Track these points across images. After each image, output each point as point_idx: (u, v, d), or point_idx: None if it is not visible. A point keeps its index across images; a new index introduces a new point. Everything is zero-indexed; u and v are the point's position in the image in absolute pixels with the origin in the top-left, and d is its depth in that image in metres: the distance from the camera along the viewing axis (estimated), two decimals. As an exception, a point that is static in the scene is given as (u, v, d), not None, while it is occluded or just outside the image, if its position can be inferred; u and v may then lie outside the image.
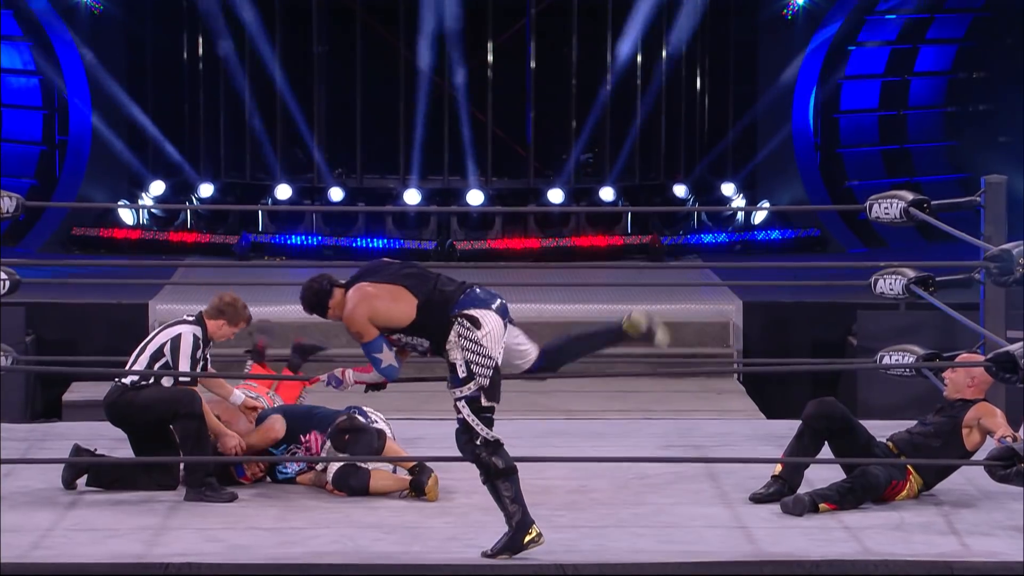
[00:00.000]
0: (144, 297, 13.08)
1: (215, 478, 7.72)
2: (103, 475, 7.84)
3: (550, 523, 7.31)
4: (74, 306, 12.98)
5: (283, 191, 16.33)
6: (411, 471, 7.77)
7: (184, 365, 7.79)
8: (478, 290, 7.04)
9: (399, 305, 7.01)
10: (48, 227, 16.28)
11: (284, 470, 7.99)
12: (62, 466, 7.87)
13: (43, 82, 16.89)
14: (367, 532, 7.15)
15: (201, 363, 7.87)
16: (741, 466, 8.24)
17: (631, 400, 12.12)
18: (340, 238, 16.26)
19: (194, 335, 7.85)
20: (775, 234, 16.70)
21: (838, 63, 17.35)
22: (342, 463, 7.77)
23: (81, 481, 7.86)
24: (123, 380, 7.86)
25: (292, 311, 12.97)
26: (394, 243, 16.33)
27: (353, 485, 7.78)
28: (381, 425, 7.96)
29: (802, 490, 7.61)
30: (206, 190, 16.40)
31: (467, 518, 7.41)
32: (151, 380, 7.81)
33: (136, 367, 7.85)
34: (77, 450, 7.92)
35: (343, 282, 7.12)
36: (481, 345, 6.90)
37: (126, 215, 16.28)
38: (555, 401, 11.97)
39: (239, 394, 8.02)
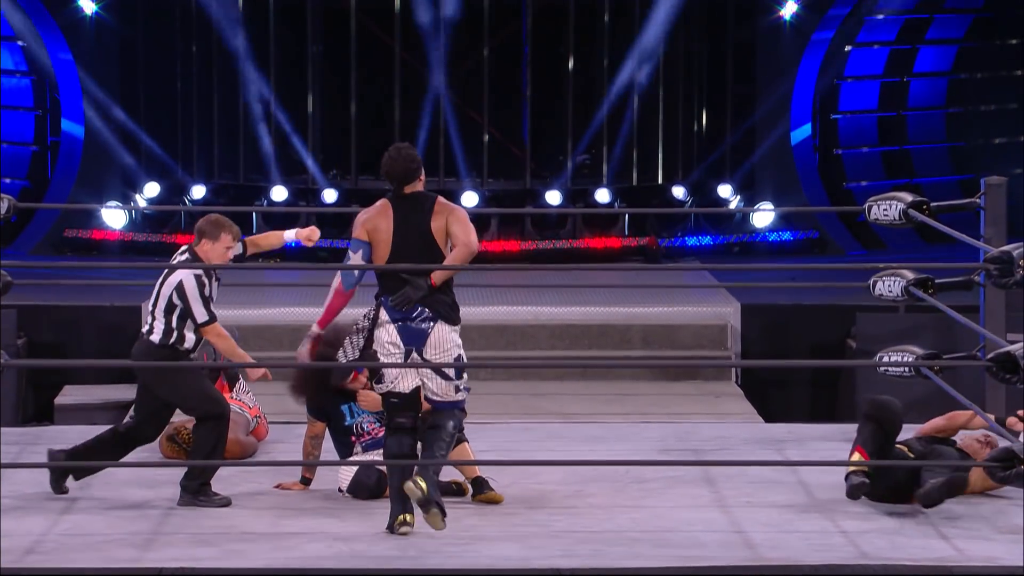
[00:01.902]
0: (137, 299, 13.03)
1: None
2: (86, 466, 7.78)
3: (547, 527, 7.33)
4: (66, 308, 12.94)
5: (279, 193, 16.31)
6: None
7: (198, 309, 7.66)
8: (421, 313, 7.24)
9: (377, 244, 7.25)
10: (40, 229, 16.26)
11: (352, 418, 7.94)
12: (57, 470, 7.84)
13: (35, 83, 16.87)
14: (362, 537, 7.14)
15: (212, 298, 7.73)
16: (739, 470, 8.25)
17: (628, 403, 12.11)
18: (335, 240, 16.24)
19: (195, 276, 7.70)
20: (773, 236, 16.68)
21: (837, 64, 17.33)
22: (357, 467, 7.74)
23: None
24: (151, 336, 7.72)
25: (288, 313, 13.06)
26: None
27: (370, 487, 7.75)
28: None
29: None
30: (198, 191, 16.38)
31: (462, 522, 7.37)
32: (178, 346, 7.71)
33: (156, 324, 7.71)
34: (51, 454, 7.84)
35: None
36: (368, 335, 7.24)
37: (118, 217, 16.23)
38: (552, 404, 11.97)
39: (290, 233, 8.03)
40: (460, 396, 7.33)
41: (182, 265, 7.73)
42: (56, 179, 16.69)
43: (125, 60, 16.70)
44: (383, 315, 7.26)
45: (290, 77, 16.70)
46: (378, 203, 7.37)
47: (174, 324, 7.67)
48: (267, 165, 16.67)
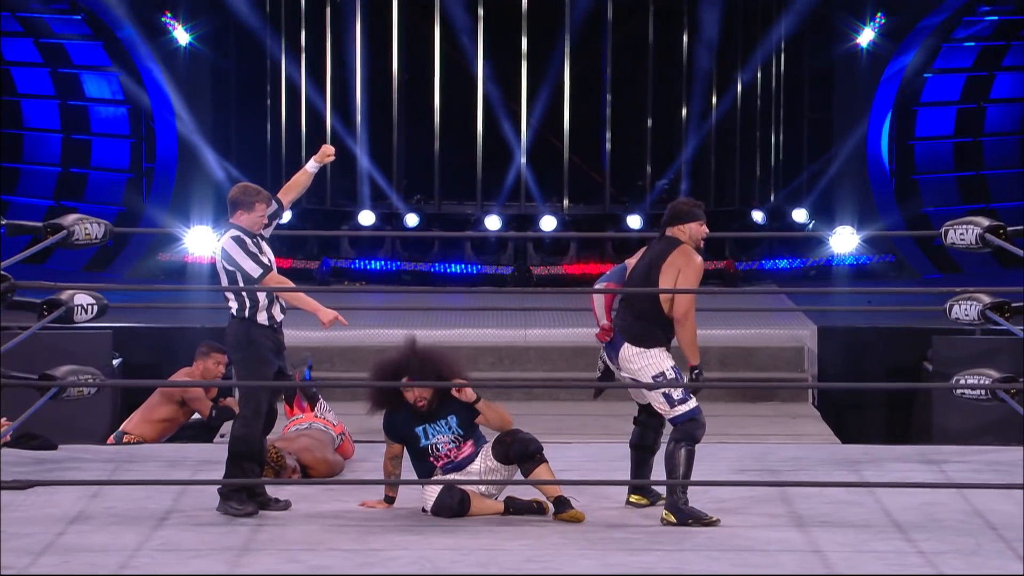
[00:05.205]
0: (227, 321, 13.21)
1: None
2: None
3: (627, 546, 7.41)
4: (159, 330, 13.15)
5: (366, 217, 16.52)
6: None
7: (249, 265, 7.83)
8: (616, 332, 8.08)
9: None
10: (135, 253, 16.53)
11: (427, 440, 8.07)
12: (149, 487, 8.00)
13: (131, 111, 17.18)
14: (445, 554, 7.25)
15: (261, 252, 7.88)
16: (816, 490, 8.29)
17: (706, 424, 12.12)
18: (418, 263, 16.43)
19: (231, 238, 7.89)
20: (850, 260, 16.69)
21: (914, 90, 17.34)
22: (440, 488, 7.88)
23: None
24: (232, 313, 7.91)
25: (373, 335, 13.24)
26: (471, 268, 16.48)
27: (452, 507, 7.88)
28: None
29: None
30: (286, 215, 16.56)
31: (543, 540, 7.50)
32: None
33: (232, 303, 7.89)
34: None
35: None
36: None
37: (206, 241, 16.44)
38: (630, 425, 12.02)
39: (311, 165, 8.33)
40: (679, 410, 7.91)
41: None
42: (151, 205, 16.97)
43: (217, 90, 16.96)
44: None
45: (376, 104, 16.89)
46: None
47: (244, 295, 7.81)
48: (354, 191, 16.87)
